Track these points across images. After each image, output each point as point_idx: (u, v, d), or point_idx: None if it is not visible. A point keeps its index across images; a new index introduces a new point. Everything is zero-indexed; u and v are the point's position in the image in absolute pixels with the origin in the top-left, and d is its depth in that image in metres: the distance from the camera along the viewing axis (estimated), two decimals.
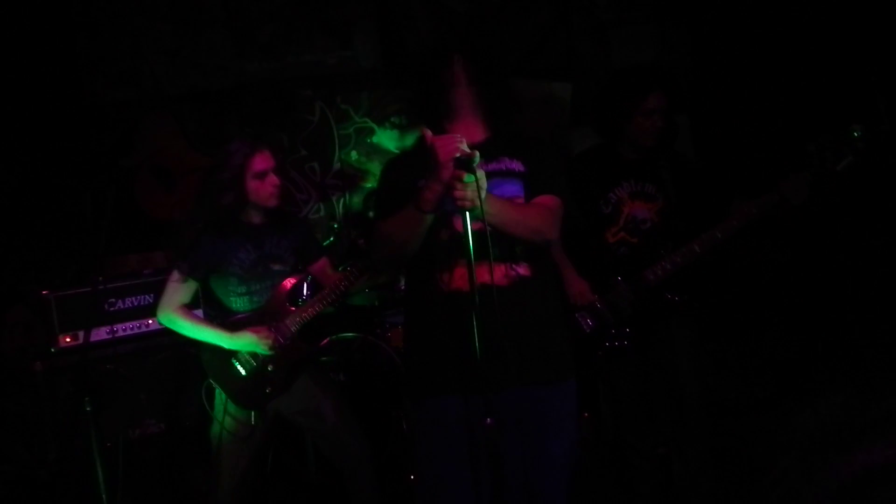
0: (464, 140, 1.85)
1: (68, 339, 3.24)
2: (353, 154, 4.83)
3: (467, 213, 1.84)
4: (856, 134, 2.57)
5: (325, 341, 2.84)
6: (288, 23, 4.67)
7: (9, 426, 3.23)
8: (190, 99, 4.62)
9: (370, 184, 4.73)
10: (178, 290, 2.71)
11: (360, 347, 3.86)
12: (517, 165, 2.10)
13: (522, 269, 2.06)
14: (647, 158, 2.90)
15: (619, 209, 2.88)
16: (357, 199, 4.77)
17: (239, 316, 2.75)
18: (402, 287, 3.91)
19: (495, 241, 1.92)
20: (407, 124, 4.72)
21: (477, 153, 1.82)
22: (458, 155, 1.81)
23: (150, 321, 3.41)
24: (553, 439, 2.05)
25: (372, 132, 4.84)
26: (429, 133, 1.87)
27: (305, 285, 2.93)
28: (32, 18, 4.19)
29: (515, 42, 4.76)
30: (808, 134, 2.76)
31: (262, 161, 2.69)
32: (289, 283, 2.79)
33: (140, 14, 4.51)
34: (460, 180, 1.82)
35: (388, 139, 4.81)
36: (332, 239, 4.19)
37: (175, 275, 2.70)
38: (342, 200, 4.76)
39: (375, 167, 4.75)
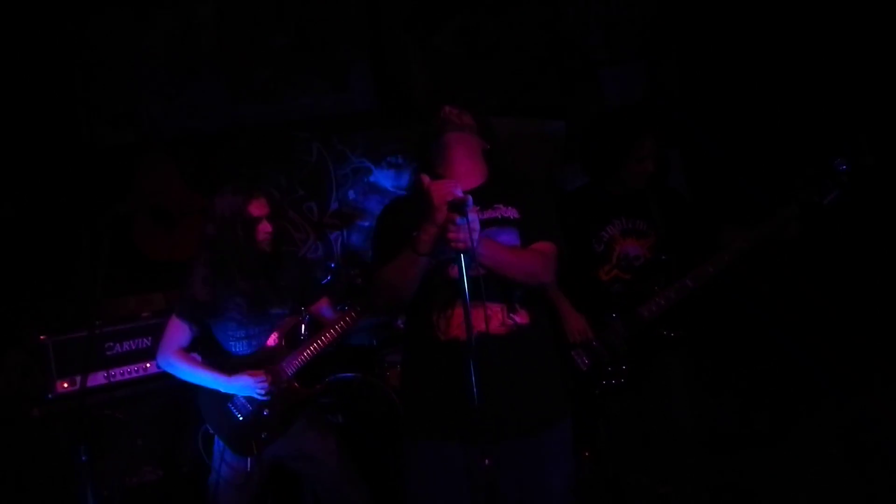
0: (458, 185, 1.92)
1: (66, 385, 3.23)
2: (351, 193, 4.87)
3: (462, 257, 1.87)
4: (841, 168, 2.61)
5: (322, 384, 2.83)
6: (284, 66, 4.74)
7: (4, 474, 3.20)
8: (187, 141, 4.67)
9: (368, 222, 4.77)
10: (178, 334, 2.74)
11: (359, 388, 3.85)
12: (512, 213, 2.13)
13: (520, 318, 2.08)
14: (637, 195, 2.93)
15: (611, 247, 2.91)
16: (355, 238, 4.79)
17: (236, 359, 2.75)
18: (401, 325, 3.92)
19: (492, 288, 1.96)
20: (403, 164, 4.78)
21: (469, 197, 1.89)
22: (450, 199, 1.88)
23: (149, 364, 3.41)
24: (551, 474, 2.08)
25: (369, 171, 4.89)
26: (426, 178, 1.95)
27: (303, 327, 2.93)
28: (31, 60, 4.25)
29: (508, 81, 4.83)
30: (797, 164, 2.80)
31: (257, 208, 2.72)
32: (287, 324, 2.80)
33: (137, 58, 4.58)
34: (454, 223, 1.87)
35: (385, 178, 4.86)
36: (329, 278, 4.21)
37: (175, 320, 2.74)
38: (340, 239, 4.79)
39: (373, 206, 4.78)
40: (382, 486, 3.43)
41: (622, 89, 4.88)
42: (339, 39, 4.76)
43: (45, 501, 3.10)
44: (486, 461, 1.79)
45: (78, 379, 3.15)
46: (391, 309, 2.21)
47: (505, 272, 2.02)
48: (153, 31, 4.61)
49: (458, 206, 1.87)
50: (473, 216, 1.89)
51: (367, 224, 4.77)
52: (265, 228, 2.74)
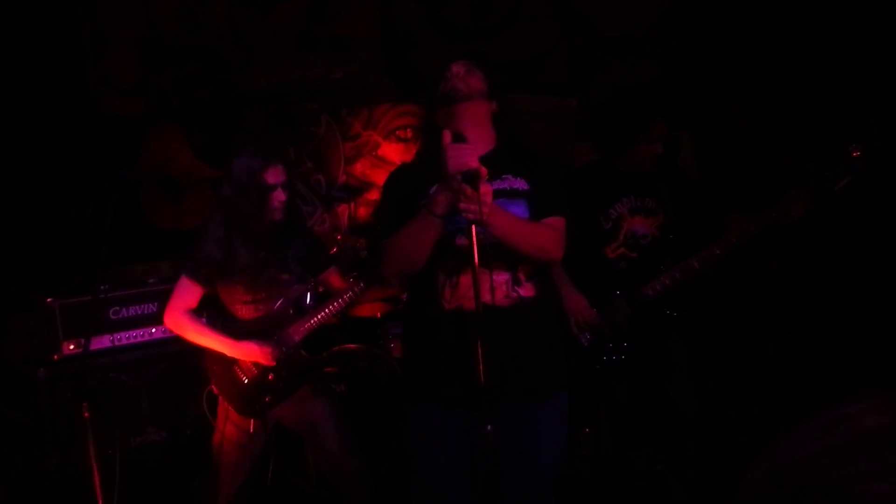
0: (475, 154, 1.90)
1: (72, 347, 3.27)
2: (359, 166, 4.87)
3: (473, 227, 1.86)
4: (855, 154, 2.59)
5: (327, 353, 2.86)
6: (294, 38, 4.72)
7: (11, 433, 3.25)
8: (196, 111, 4.68)
9: (375, 196, 4.76)
10: (186, 295, 2.75)
11: (363, 359, 3.88)
12: (521, 184, 2.11)
13: (524, 290, 2.07)
14: (647, 174, 2.92)
15: (618, 225, 2.90)
16: (362, 211, 4.80)
17: (244, 324, 2.77)
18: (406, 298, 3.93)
19: (498, 260, 1.96)
20: (412, 138, 4.76)
21: (484, 170, 1.88)
22: (465, 170, 1.87)
23: (154, 329, 3.44)
24: (545, 446, 2.10)
25: (377, 145, 4.88)
26: (448, 136, 1.92)
27: (310, 295, 2.95)
28: (42, 31, 4.25)
29: (519, 57, 4.80)
30: (806, 150, 2.78)
31: (273, 175, 2.72)
32: (294, 292, 2.81)
33: (148, 29, 4.57)
34: (465, 194, 1.86)
35: (393, 152, 4.85)
36: (335, 250, 4.22)
37: (184, 280, 2.75)
38: (347, 212, 4.80)
39: (381, 179, 4.77)
40: (381, 457, 3.48)
41: (634, 67, 4.84)
42: (350, 11, 4.73)
43: (51, 461, 3.14)
44: (489, 427, 1.79)
45: (83, 341, 3.18)
46: (402, 278, 2.11)
47: (516, 245, 2.01)
48: (162, 1, 4.59)
49: (471, 178, 1.86)
50: (486, 188, 1.88)
51: (374, 198, 4.77)
52: (279, 197, 2.73)
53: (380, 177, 4.79)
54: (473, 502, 2.05)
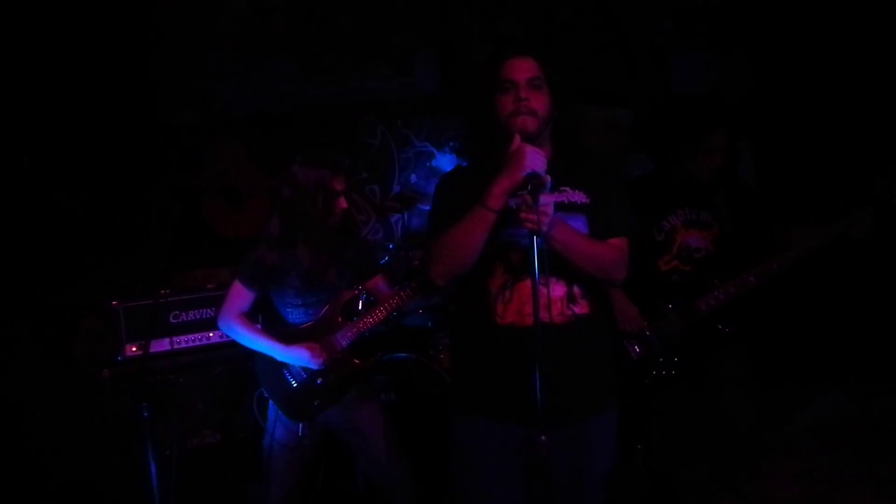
0: (544, 161, 1.87)
1: (134, 349, 3.39)
2: (413, 177, 4.91)
3: (535, 240, 1.80)
4: None
5: (375, 358, 2.87)
6: (352, 50, 4.81)
7: (74, 430, 3.38)
8: (257, 122, 4.80)
9: (428, 206, 4.78)
10: (239, 299, 2.80)
11: (412, 368, 3.90)
12: (580, 197, 2.05)
13: (579, 308, 2.03)
14: (704, 186, 2.87)
15: (671, 237, 2.86)
16: (415, 222, 4.84)
17: (294, 328, 2.83)
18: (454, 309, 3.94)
19: (554, 275, 1.92)
20: (464, 148, 4.79)
21: (549, 178, 1.84)
22: (533, 171, 1.83)
23: (211, 334, 3.53)
24: (597, 458, 2.06)
25: (432, 156, 4.92)
26: (518, 138, 1.91)
27: (360, 301, 2.98)
28: (113, 39, 4.42)
29: (575, 67, 4.77)
30: (871, 165, 2.69)
31: (339, 183, 2.78)
32: (344, 297, 2.85)
33: (211, 41, 4.72)
34: (527, 202, 1.82)
35: (447, 163, 4.88)
36: (387, 259, 4.26)
37: (237, 284, 2.80)
38: (401, 222, 4.84)
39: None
40: (427, 467, 3.48)
41: (692, 78, 4.77)
42: (406, 24, 4.79)
43: (111, 459, 3.26)
44: (543, 437, 1.76)
45: (142, 344, 3.29)
46: (449, 279, 2.04)
47: (577, 261, 1.96)
48: (225, 16, 4.74)
49: (535, 184, 1.81)
50: (548, 198, 1.84)
51: (427, 208, 4.79)
52: (342, 204, 2.79)
53: (433, 187, 4.80)
54: None
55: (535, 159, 1.86)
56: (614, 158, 2.27)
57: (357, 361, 2.82)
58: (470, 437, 2.08)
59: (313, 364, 2.73)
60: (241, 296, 2.79)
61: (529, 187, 1.82)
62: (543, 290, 1.84)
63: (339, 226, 2.82)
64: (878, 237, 2.67)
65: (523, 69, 1.96)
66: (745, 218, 2.87)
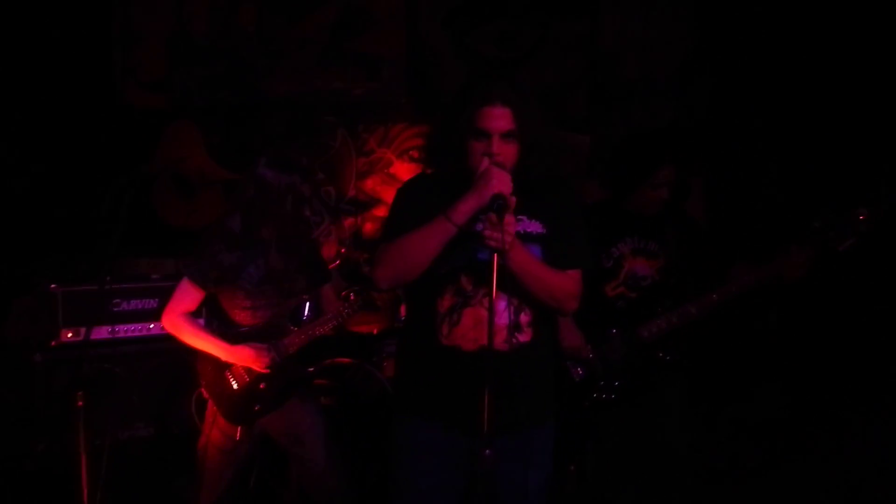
0: (510, 184, 1.90)
1: (70, 335, 3.30)
2: (370, 182, 4.91)
3: (495, 258, 1.82)
4: (861, 217, 2.61)
5: (320, 365, 2.87)
6: (320, 50, 4.79)
7: (5, 416, 3.27)
8: (216, 112, 4.73)
9: (383, 213, 4.80)
10: (187, 298, 2.74)
11: (354, 374, 3.89)
12: (536, 227, 2.08)
13: (523, 336, 2.07)
14: (654, 216, 2.95)
15: (620, 264, 2.93)
16: (368, 227, 4.83)
17: (241, 329, 2.79)
18: (401, 319, 3.95)
19: (503, 303, 1.94)
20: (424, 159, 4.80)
21: (513, 200, 1.87)
22: (500, 192, 1.87)
23: (152, 325, 3.47)
24: (531, 471, 2.09)
25: (390, 163, 4.93)
26: (486, 161, 1.95)
27: (308, 307, 2.97)
28: (73, 19, 4.32)
29: (538, 90, 4.85)
30: (816, 206, 2.80)
31: (308, 188, 2.77)
32: (294, 302, 2.83)
33: (178, 28, 4.65)
34: (491, 221, 1.85)
35: (405, 171, 4.90)
36: (338, 262, 4.25)
37: (186, 283, 2.74)
38: (354, 227, 4.83)
39: (390, 197, 4.80)
40: (365, 474, 3.47)
41: (652, 111, 4.88)
42: (377, 29, 4.80)
43: (39, 445, 3.16)
44: (488, 451, 1.78)
45: (82, 330, 3.20)
46: (393, 283, 2.04)
47: (532, 285, 1.99)
48: (194, 2, 4.67)
49: (501, 205, 1.85)
50: (511, 219, 1.88)
51: (382, 214, 4.80)
52: (308, 210, 2.80)
53: (389, 194, 4.83)
54: None
55: (502, 181, 1.91)
56: (571, 184, 2.31)
57: (302, 367, 2.80)
58: (411, 437, 2.10)
59: (259, 366, 2.70)
60: (189, 295, 2.72)
61: (495, 207, 1.86)
62: (488, 314, 1.85)
63: (304, 232, 2.82)
64: (815, 278, 2.78)
65: (498, 120, 1.97)
66: (691, 251, 2.96)
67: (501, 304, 1.95)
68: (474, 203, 1.92)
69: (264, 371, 2.71)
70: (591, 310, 2.85)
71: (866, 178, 2.65)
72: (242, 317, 2.79)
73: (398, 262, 2.02)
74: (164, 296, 2.99)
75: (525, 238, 2.03)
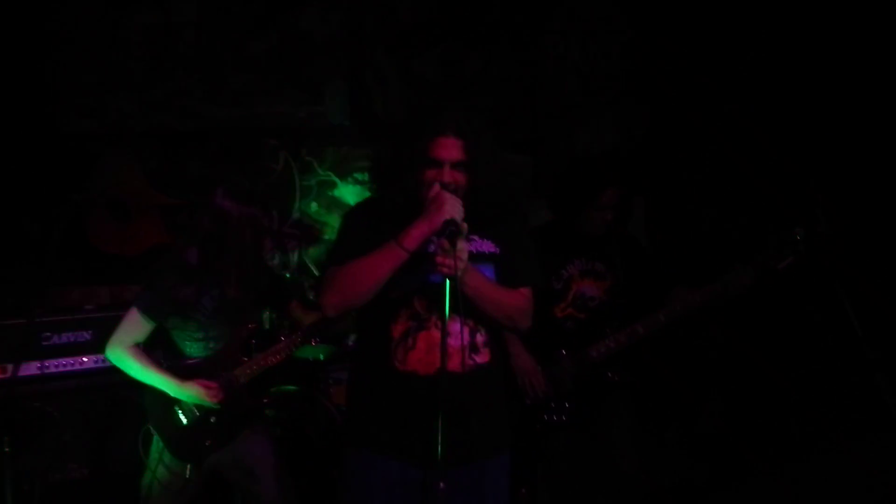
0: (461, 209, 1.92)
1: None
2: (313, 205, 4.86)
3: (448, 284, 1.84)
4: (798, 237, 2.71)
5: (270, 396, 2.79)
6: (261, 74, 4.73)
7: None
8: (154, 137, 4.61)
9: (328, 236, 4.75)
10: (135, 330, 2.64)
11: (301, 402, 3.80)
12: (488, 246, 2.09)
13: (480, 357, 2.06)
14: (599, 238, 2.99)
15: (568, 286, 2.96)
16: (313, 251, 4.76)
17: (190, 361, 2.70)
18: (351, 343, 3.89)
19: (459, 325, 1.94)
20: (369, 181, 4.77)
21: (466, 227, 1.88)
22: (453, 218, 1.87)
23: (86, 359, 3.31)
24: (486, 496, 2.07)
25: (334, 186, 4.88)
26: (437, 186, 1.96)
27: (261, 335, 2.89)
28: (4, 45, 4.16)
29: (482, 113, 4.88)
30: (756, 226, 2.88)
31: (269, 220, 2.71)
32: (245, 332, 2.76)
33: (112, 50, 4.53)
34: (443, 247, 1.86)
35: (349, 194, 4.86)
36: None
37: (135, 314, 2.64)
38: (298, 251, 4.76)
39: (334, 220, 4.76)
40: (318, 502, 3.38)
41: (593, 133, 4.98)
42: (318, 53, 4.77)
43: None
44: (441, 485, 1.77)
45: (9, 367, 3.03)
46: (341, 309, 2.02)
47: (487, 308, 2.00)
48: (131, 24, 4.56)
49: (453, 232, 1.86)
50: (464, 245, 1.89)
51: (326, 238, 4.75)
52: (269, 244, 2.73)
53: (334, 217, 4.79)
54: None
55: (453, 207, 1.91)
56: (518, 203, 2.32)
57: (253, 399, 2.72)
58: (362, 471, 2.05)
59: (210, 401, 2.60)
60: (137, 326, 2.63)
61: (447, 233, 1.86)
62: (448, 339, 1.86)
63: (266, 266, 2.78)
64: (756, 297, 2.85)
65: (451, 150, 1.99)
66: (636, 271, 3.01)
67: (456, 326, 1.95)
68: (426, 228, 1.93)
69: (216, 405, 2.62)
70: (540, 332, 2.86)
71: (804, 202, 2.74)
72: (194, 349, 2.71)
73: (347, 287, 2.00)
74: (98, 328, 2.88)
75: (477, 258, 2.04)
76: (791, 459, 3.45)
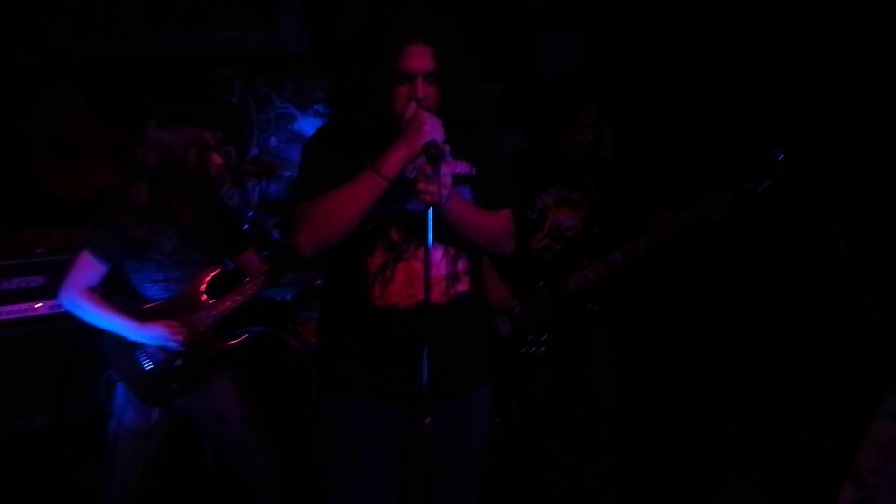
0: (441, 129, 1.78)
1: None
2: (273, 140, 4.68)
3: (431, 212, 1.72)
4: (779, 157, 2.64)
5: (244, 337, 2.69)
6: None
7: None
8: (98, 68, 4.35)
9: (289, 172, 4.59)
10: (88, 273, 2.50)
11: (270, 342, 3.73)
12: (464, 167, 1.97)
13: (461, 285, 1.97)
14: (575, 165, 2.89)
15: (544, 216, 2.87)
16: (274, 188, 4.62)
17: (150, 304, 2.58)
18: (319, 283, 3.79)
19: (440, 253, 1.86)
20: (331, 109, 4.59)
21: (447, 149, 1.75)
22: (434, 140, 1.74)
23: (39, 304, 3.16)
24: (474, 432, 2.05)
25: (294, 118, 4.71)
26: (414, 105, 1.81)
27: (226, 276, 2.76)
28: None
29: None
30: (732, 149, 2.81)
31: (211, 136, 2.58)
32: (209, 273, 2.63)
33: None
34: (425, 173, 1.73)
35: (310, 127, 4.68)
36: (246, 227, 4.03)
37: (87, 256, 2.50)
38: (258, 188, 4.60)
39: (295, 155, 4.60)
40: (288, 444, 3.34)
41: (559, 56, 4.84)
42: None
43: None
44: (428, 420, 1.71)
45: None
46: (318, 248, 1.89)
47: (470, 234, 1.90)
48: None
49: (434, 154, 1.72)
50: (447, 169, 1.76)
51: (288, 174, 4.59)
52: (216, 160, 2.60)
53: (295, 152, 4.62)
54: (403, 493, 1.97)
55: (434, 128, 1.77)
56: (492, 122, 2.19)
57: (221, 341, 2.62)
58: (345, 416, 1.98)
59: (172, 344, 2.49)
60: (90, 269, 2.48)
61: (429, 156, 1.73)
62: (426, 267, 1.75)
63: (216, 184, 2.64)
64: (734, 220, 2.80)
65: (420, 60, 1.82)
66: (613, 197, 2.93)
67: (437, 255, 1.86)
68: (405, 153, 1.79)
69: (179, 349, 2.51)
70: (516, 263, 2.79)
71: (787, 120, 2.66)
72: (154, 291, 2.59)
73: (322, 223, 1.86)
74: (51, 272, 2.73)
75: (455, 180, 1.90)
76: (758, 388, 3.50)
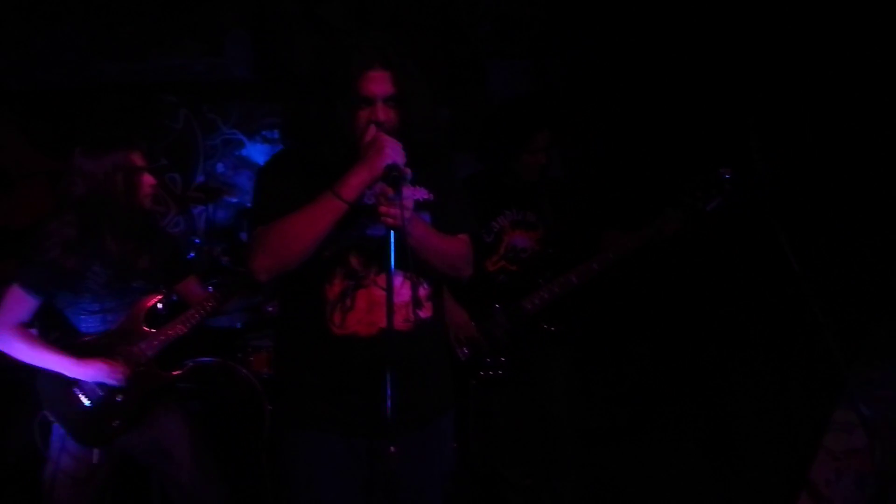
0: (402, 153, 1.77)
1: None
2: (220, 166, 4.59)
3: (392, 235, 1.70)
4: (726, 177, 2.70)
5: (186, 368, 2.59)
6: (153, 23, 4.38)
7: None
8: (35, 97, 4.22)
9: (236, 198, 4.51)
10: (18, 308, 2.40)
11: (219, 373, 3.62)
12: (422, 194, 1.95)
13: (423, 312, 1.94)
14: (529, 187, 2.93)
15: (500, 238, 2.90)
16: (221, 215, 4.52)
17: (87, 338, 2.47)
18: (271, 310, 3.71)
19: (401, 279, 1.84)
20: (279, 139, 4.54)
21: (409, 171, 1.74)
22: (395, 163, 1.72)
23: None
24: (438, 460, 2.02)
25: (241, 144, 4.64)
26: (374, 128, 1.80)
27: (166, 305, 2.67)
28: None
29: None
30: (682, 168, 2.86)
31: (139, 158, 2.51)
32: (148, 302, 2.54)
33: None
34: (386, 196, 1.72)
35: (258, 153, 4.61)
36: (193, 255, 3.93)
37: (17, 290, 2.40)
38: (204, 215, 4.50)
39: (243, 181, 4.53)
40: (240, 479, 3.23)
41: (508, 82, 4.89)
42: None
43: None
44: (392, 448, 1.66)
45: None
46: (274, 272, 1.84)
47: (430, 258, 1.88)
48: None
49: (395, 178, 1.70)
50: (409, 192, 1.75)
51: (235, 200, 4.51)
52: (149, 181, 2.53)
53: (242, 178, 4.55)
54: None
55: (394, 151, 1.76)
56: (447, 148, 2.20)
57: (164, 373, 2.51)
58: (306, 453, 1.91)
59: (112, 380, 2.38)
60: (21, 304, 2.38)
61: (390, 179, 1.71)
62: (385, 294, 1.72)
63: (147, 209, 2.57)
64: (684, 238, 2.85)
65: (380, 85, 1.82)
66: (566, 218, 2.96)
67: (398, 281, 1.83)
68: (366, 175, 1.77)
69: (121, 384, 2.40)
70: (472, 286, 2.77)
71: (736, 140, 2.72)
72: (90, 324, 2.48)
73: (280, 247, 1.82)
74: None
75: (415, 205, 1.88)
76: (714, 404, 3.54)
